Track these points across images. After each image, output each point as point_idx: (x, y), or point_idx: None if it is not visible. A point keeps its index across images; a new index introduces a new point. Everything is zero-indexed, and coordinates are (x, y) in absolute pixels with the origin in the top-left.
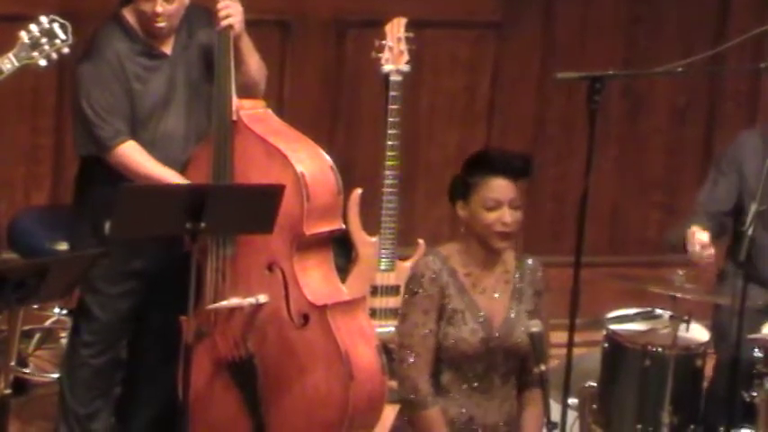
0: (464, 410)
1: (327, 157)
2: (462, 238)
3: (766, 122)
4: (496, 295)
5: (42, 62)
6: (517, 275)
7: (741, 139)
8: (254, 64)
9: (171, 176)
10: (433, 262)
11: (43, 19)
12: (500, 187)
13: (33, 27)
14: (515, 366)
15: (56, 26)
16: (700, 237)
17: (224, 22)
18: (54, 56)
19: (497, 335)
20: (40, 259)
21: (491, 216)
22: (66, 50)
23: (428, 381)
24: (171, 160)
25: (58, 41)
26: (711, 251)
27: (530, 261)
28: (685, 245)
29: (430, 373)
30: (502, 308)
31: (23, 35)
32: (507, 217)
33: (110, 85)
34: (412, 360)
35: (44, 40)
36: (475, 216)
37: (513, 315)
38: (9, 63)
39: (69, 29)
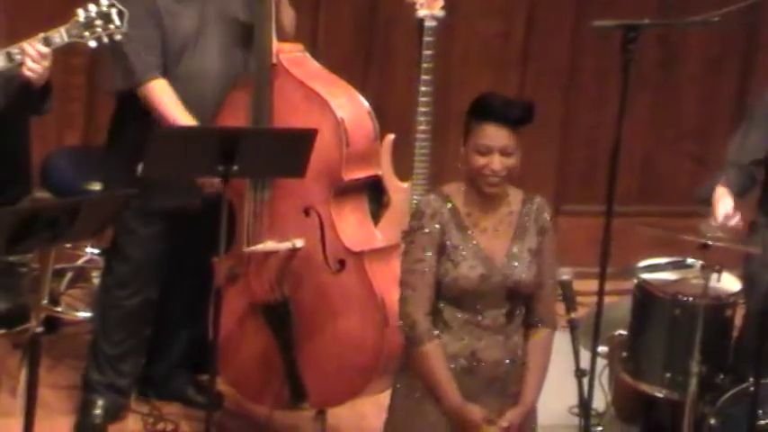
0: (466, 345)
1: (365, 103)
2: (463, 178)
3: None
4: (498, 234)
5: (92, 43)
6: (523, 214)
7: None
8: (289, 20)
9: (186, 121)
10: (435, 200)
11: (104, 1)
12: (492, 134)
13: (92, 7)
14: (520, 305)
15: (113, 11)
16: (724, 206)
17: None
18: (105, 39)
19: (498, 273)
20: (71, 198)
21: (481, 161)
22: (118, 37)
23: (426, 316)
24: (204, 97)
25: (112, 27)
26: (736, 219)
27: (537, 199)
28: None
29: (429, 309)
30: (503, 247)
31: (80, 12)
32: (496, 164)
33: (144, 21)
34: (410, 296)
35: (99, 22)
36: (468, 158)
37: (515, 251)
38: (59, 37)
39: (126, 16)
